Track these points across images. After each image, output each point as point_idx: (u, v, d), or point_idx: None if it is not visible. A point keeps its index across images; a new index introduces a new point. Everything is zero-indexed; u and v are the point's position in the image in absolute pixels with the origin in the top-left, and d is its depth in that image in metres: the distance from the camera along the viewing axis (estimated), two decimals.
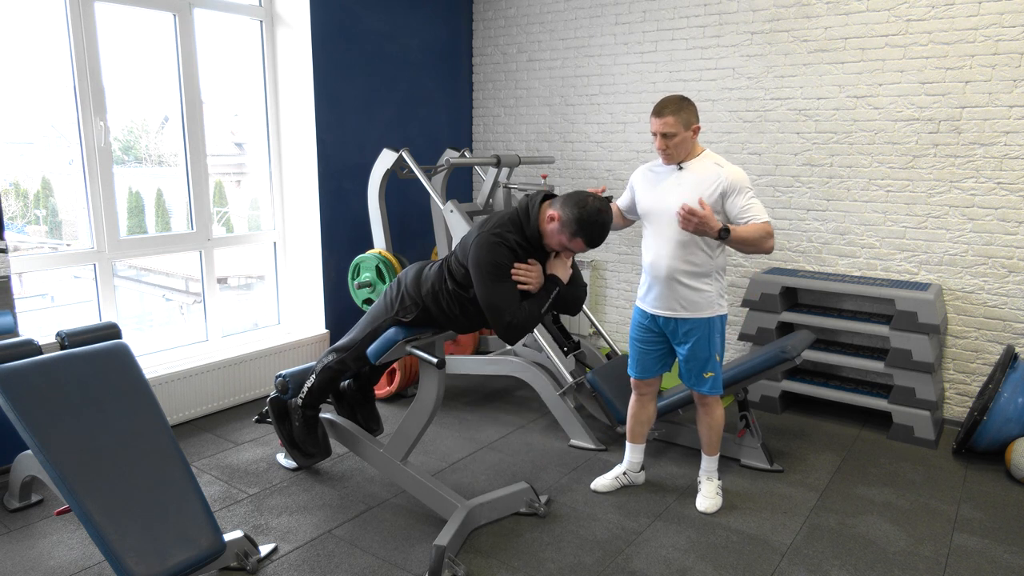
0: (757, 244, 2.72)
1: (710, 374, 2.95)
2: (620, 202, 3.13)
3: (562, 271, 2.63)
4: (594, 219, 2.45)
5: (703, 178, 2.78)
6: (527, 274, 2.54)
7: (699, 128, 2.81)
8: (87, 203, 3.59)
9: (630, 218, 3.14)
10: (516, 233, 2.54)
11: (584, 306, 4.25)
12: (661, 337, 3.01)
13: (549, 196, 2.60)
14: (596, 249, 5.05)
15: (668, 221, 2.82)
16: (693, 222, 2.63)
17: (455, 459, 3.52)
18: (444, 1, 5.11)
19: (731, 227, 2.67)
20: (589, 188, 4.96)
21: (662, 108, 2.76)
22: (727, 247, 2.86)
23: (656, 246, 2.89)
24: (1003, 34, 3.58)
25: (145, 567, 2.18)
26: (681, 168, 2.84)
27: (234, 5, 4.13)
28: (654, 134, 2.79)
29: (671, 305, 2.90)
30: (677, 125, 2.74)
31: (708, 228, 2.64)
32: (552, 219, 2.50)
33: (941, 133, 3.80)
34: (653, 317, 2.98)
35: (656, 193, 2.89)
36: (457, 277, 2.64)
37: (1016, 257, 3.70)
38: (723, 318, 2.94)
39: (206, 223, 4.09)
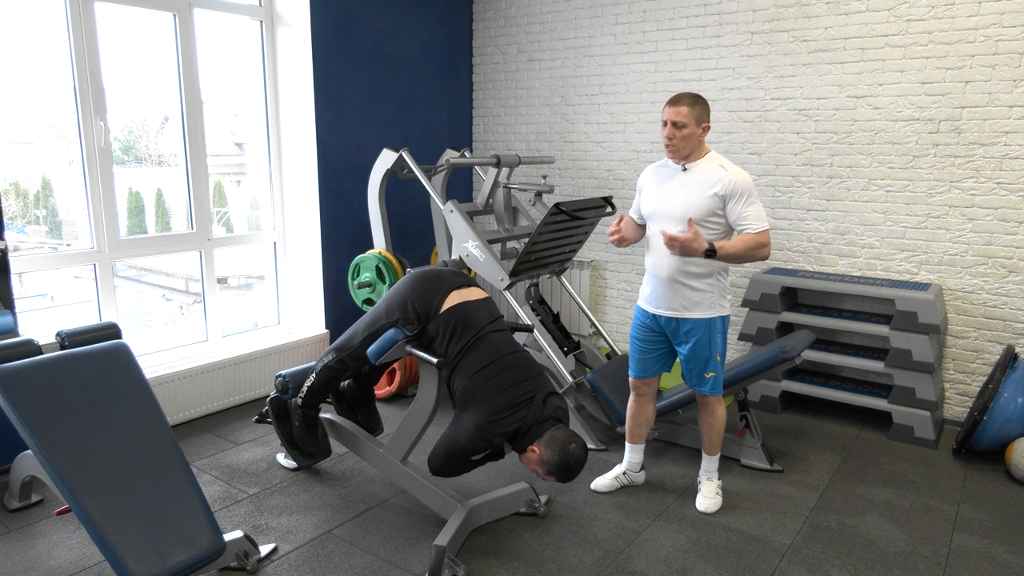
0: (748, 256, 2.74)
1: (711, 374, 2.95)
2: (633, 212, 3.10)
3: (508, 451, 2.73)
4: (571, 468, 2.57)
5: (707, 180, 2.78)
6: (480, 459, 2.67)
7: (709, 127, 2.82)
8: (87, 203, 3.59)
9: (641, 223, 3.09)
10: (506, 439, 2.62)
11: (584, 306, 4.26)
12: (662, 337, 3.01)
13: (552, 428, 2.62)
14: (596, 249, 5.05)
15: (671, 222, 2.82)
16: (676, 247, 2.66)
17: None
18: (444, 1, 5.11)
19: (717, 245, 2.68)
20: (587, 191, 4.97)
21: (679, 98, 2.76)
22: None
23: (659, 246, 2.87)
24: (1003, 34, 3.58)
25: (145, 567, 2.18)
26: (686, 169, 2.84)
27: (234, 5, 4.13)
28: (664, 123, 2.77)
29: (673, 305, 2.90)
30: (690, 117, 2.74)
31: (693, 251, 2.66)
32: (533, 452, 2.59)
33: (941, 133, 3.80)
34: (655, 317, 2.98)
35: (660, 194, 2.89)
36: (451, 389, 2.72)
37: (1016, 257, 3.70)
38: (725, 319, 2.94)
39: (206, 223, 4.09)
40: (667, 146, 2.81)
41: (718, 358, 2.95)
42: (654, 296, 2.95)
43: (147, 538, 2.25)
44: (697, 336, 2.89)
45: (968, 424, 3.48)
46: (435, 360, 2.69)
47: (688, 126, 2.75)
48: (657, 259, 2.89)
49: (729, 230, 2.85)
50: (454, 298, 2.76)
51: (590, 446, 3.62)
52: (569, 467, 2.56)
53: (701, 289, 2.85)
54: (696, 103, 2.76)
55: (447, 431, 2.66)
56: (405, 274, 3.04)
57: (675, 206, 2.81)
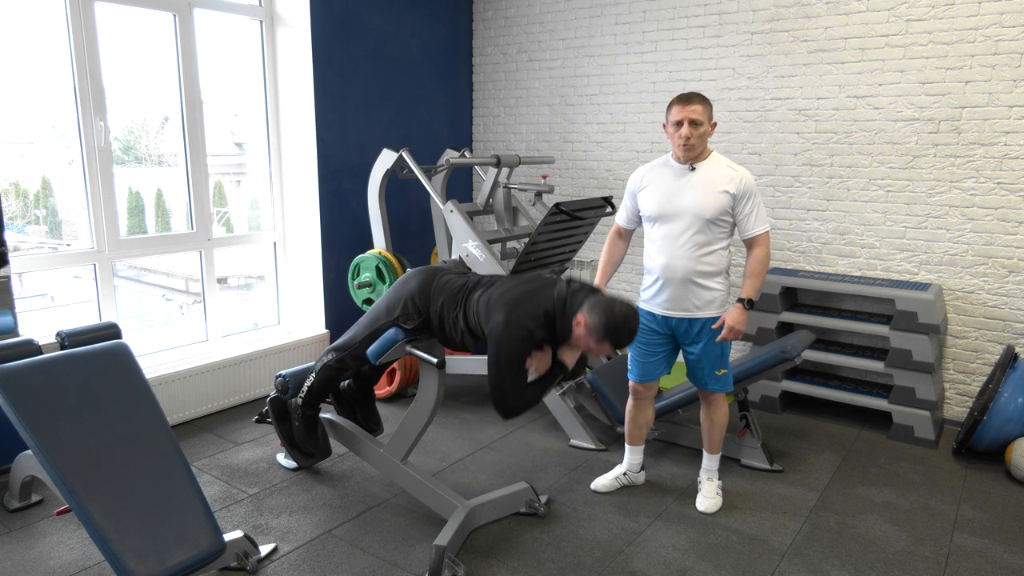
0: (764, 273, 2.85)
1: (723, 371, 2.95)
2: (620, 219, 3.09)
3: (570, 359, 2.64)
4: (621, 326, 2.42)
5: (717, 179, 2.78)
6: (537, 364, 2.57)
7: (715, 124, 2.84)
8: (87, 203, 3.59)
9: (632, 227, 3.10)
10: (545, 329, 2.50)
11: None
12: (667, 339, 3.00)
13: (584, 299, 2.50)
14: (596, 249, 5.05)
15: (684, 223, 2.81)
16: (734, 334, 2.83)
17: (455, 459, 3.52)
18: (444, 1, 5.11)
19: (744, 294, 2.83)
20: (587, 191, 4.97)
21: (690, 97, 2.76)
22: (732, 246, 2.92)
23: (671, 248, 2.85)
24: (1003, 34, 3.58)
25: (145, 567, 2.18)
26: (694, 169, 2.83)
27: (234, 5, 4.13)
28: (678, 123, 2.75)
29: (686, 306, 2.88)
30: (704, 114, 2.75)
31: (743, 325, 2.83)
32: (579, 324, 2.47)
33: (941, 133, 3.80)
34: (664, 319, 2.95)
35: (666, 195, 2.86)
36: (472, 326, 2.63)
37: (1016, 257, 3.70)
38: None
39: (206, 223, 4.09)
40: (683, 146, 2.77)
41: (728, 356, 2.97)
42: (664, 298, 2.92)
43: (147, 538, 2.25)
44: (709, 335, 2.89)
45: (968, 424, 3.48)
46: (435, 360, 2.69)
47: (704, 124, 2.75)
48: (670, 261, 2.86)
49: (734, 229, 2.86)
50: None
51: (590, 446, 3.62)
52: (620, 325, 2.41)
53: (714, 288, 2.86)
54: (706, 101, 2.78)
55: (488, 363, 2.53)
56: (404, 273, 3.04)
57: (686, 206, 2.80)
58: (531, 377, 2.56)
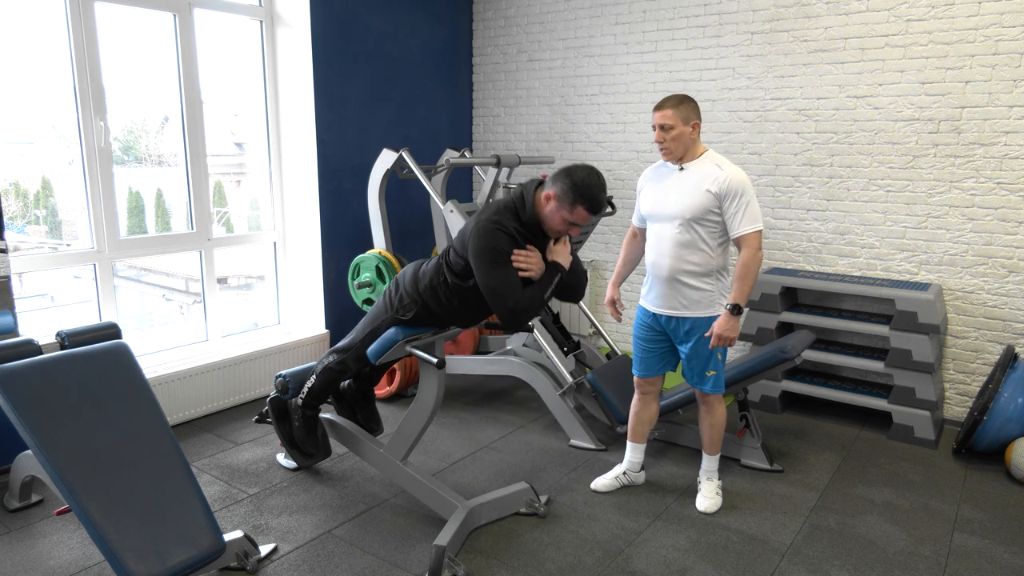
0: (753, 276, 2.80)
1: (712, 372, 2.95)
2: (633, 218, 3.15)
3: (563, 257, 2.64)
4: (588, 182, 2.46)
5: (703, 178, 2.80)
6: (527, 260, 2.55)
7: (699, 124, 2.82)
8: (87, 203, 3.59)
9: (643, 226, 3.10)
10: (513, 220, 2.54)
11: (584, 306, 4.26)
12: (663, 336, 3.02)
13: (541, 183, 2.60)
14: (596, 249, 5.05)
15: (669, 222, 2.85)
16: (725, 342, 2.82)
17: (455, 459, 3.52)
18: (444, 1, 5.11)
19: (730, 299, 2.81)
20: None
21: (663, 102, 2.81)
22: (729, 247, 2.89)
23: (657, 246, 2.91)
24: (1003, 34, 3.58)
25: (145, 567, 2.18)
26: (683, 169, 2.86)
27: (234, 5, 4.13)
28: (654, 127, 2.82)
29: (673, 304, 2.91)
30: (675, 118, 2.77)
31: (734, 332, 2.81)
32: (548, 199, 2.51)
33: (941, 133, 3.80)
34: (655, 316, 2.99)
35: (656, 194, 2.91)
36: (456, 269, 2.63)
37: (1016, 257, 3.70)
38: None
39: (206, 223, 4.09)
40: (660, 150, 2.85)
41: (719, 357, 2.95)
42: (654, 295, 2.97)
43: (147, 538, 2.25)
44: (698, 335, 2.90)
45: (968, 424, 3.48)
46: (435, 360, 2.69)
47: (675, 127, 2.77)
48: (657, 259, 2.91)
49: (726, 229, 2.86)
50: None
51: (590, 446, 3.62)
52: (586, 181, 2.44)
53: (701, 288, 2.86)
54: (681, 103, 2.78)
55: (478, 278, 2.53)
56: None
57: (672, 205, 2.83)
58: (526, 275, 2.56)
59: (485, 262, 2.50)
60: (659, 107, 2.81)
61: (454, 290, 2.66)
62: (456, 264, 2.63)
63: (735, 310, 2.80)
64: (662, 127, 2.79)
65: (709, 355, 2.93)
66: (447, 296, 2.68)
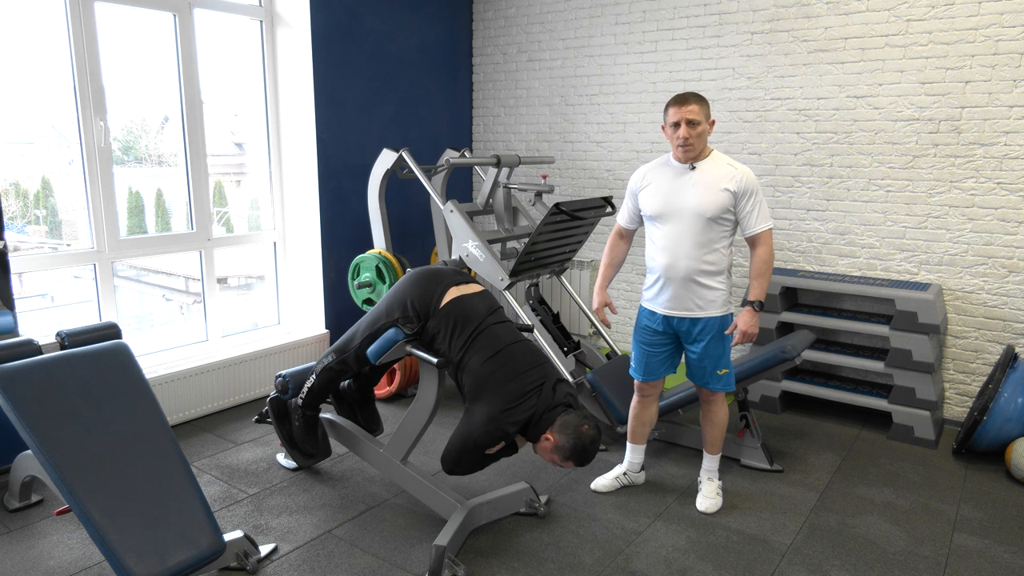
0: (769, 272, 2.86)
1: (724, 371, 2.95)
2: (621, 219, 3.10)
3: (521, 444, 2.74)
4: (588, 450, 2.55)
5: (718, 178, 2.78)
6: (497, 452, 2.68)
7: (714, 123, 2.83)
8: (87, 203, 3.59)
9: (634, 228, 3.11)
10: (521, 428, 2.61)
11: (584, 306, 4.26)
12: (670, 339, 3.00)
13: (568, 405, 2.63)
14: (596, 249, 5.05)
15: (686, 222, 2.81)
16: (748, 337, 2.84)
17: None
18: (444, 1, 5.11)
19: (751, 296, 2.85)
20: (587, 191, 4.97)
21: (686, 97, 2.76)
22: (734, 246, 2.92)
23: (672, 247, 2.86)
24: (1003, 34, 3.58)
25: (145, 567, 2.18)
26: (694, 168, 2.83)
27: (234, 5, 4.13)
28: (676, 124, 2.75)
29: (688, 305, 2.88)
30: (701, 114, 2.75)
31: (756, 328, 2.84)
32: (547, 439, 2.58)
33: (941, 133, 3.80)
34: (665, 318, 2.94)
35: (668, 194, 2.86)
36: (459, 383, 2.70)
37: (1016, 257, 3.70)
38: (733, 316, 2.95)
39: (206, 223, 4.09)
40: (682, 147, 2.77)
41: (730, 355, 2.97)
42: (665, 298, 2.92)
43: (147, 538, 2.25)
44: (711, 334, 2.89)
45: (968, 424, 3.48)
46: (435, 360, 2.69)
47: (701, 123, 2.75)
48: (672, 260, 2.86)
49: (736, 227, 2.86)
50: (452, 293, 2.76)
51: None
52: (585, 449, 2.54)
53: (715, 287, 2.86)
54: (702, 100, 2.78)
55: (459, 427, 2.64)
56: (405, 274, 3.04)
57: (687, 205, 2.80)
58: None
59: (471, 443, 2.59)
60: (682, 102, 2.74)
61: (452, 366, 2.72)
62: (461, 383, 2.70)
63: (758, 306, 2.82)
64: (689, 122, 2.73)
65: (721, 353, 2.92)
66: (445, 351, 2.72)
